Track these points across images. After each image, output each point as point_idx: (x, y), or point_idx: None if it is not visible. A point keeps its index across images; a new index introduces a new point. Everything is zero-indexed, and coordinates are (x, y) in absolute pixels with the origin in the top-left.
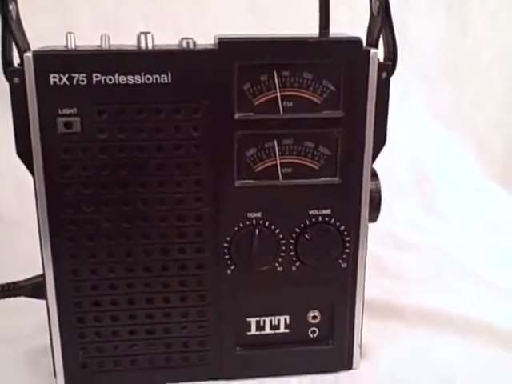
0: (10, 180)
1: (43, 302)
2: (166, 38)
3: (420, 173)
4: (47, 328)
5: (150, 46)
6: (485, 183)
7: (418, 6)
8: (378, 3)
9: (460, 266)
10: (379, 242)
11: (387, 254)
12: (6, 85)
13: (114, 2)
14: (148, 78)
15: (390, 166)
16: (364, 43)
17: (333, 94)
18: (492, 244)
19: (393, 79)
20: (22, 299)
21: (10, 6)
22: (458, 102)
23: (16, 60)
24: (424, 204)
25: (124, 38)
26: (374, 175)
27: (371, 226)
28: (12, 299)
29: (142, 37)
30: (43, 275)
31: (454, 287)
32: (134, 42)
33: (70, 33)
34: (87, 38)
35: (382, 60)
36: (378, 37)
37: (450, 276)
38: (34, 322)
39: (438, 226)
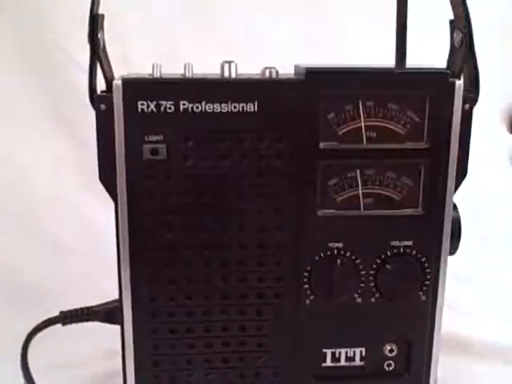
0: (67, 207)
1: (104, 326)
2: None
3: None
4: (111, 354)
5: (233, 74)
6: None
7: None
8: (461, 35)
9: None
10: None
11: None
12: (71, 116)
13: (172, 33)
14: (234, 107)
15: None
16: None
17: (417, 125)
18: None
19: None
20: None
21: (99, 35)
22: None
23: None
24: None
25: (176, 67)
26: (454, 207)
27: None
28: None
29: (226, 66)
30: (120, 300)
31: None
32: (216, 71)
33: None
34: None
35: None
36: (461, 69)
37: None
38: (100, 347)
39: (494, 258)
